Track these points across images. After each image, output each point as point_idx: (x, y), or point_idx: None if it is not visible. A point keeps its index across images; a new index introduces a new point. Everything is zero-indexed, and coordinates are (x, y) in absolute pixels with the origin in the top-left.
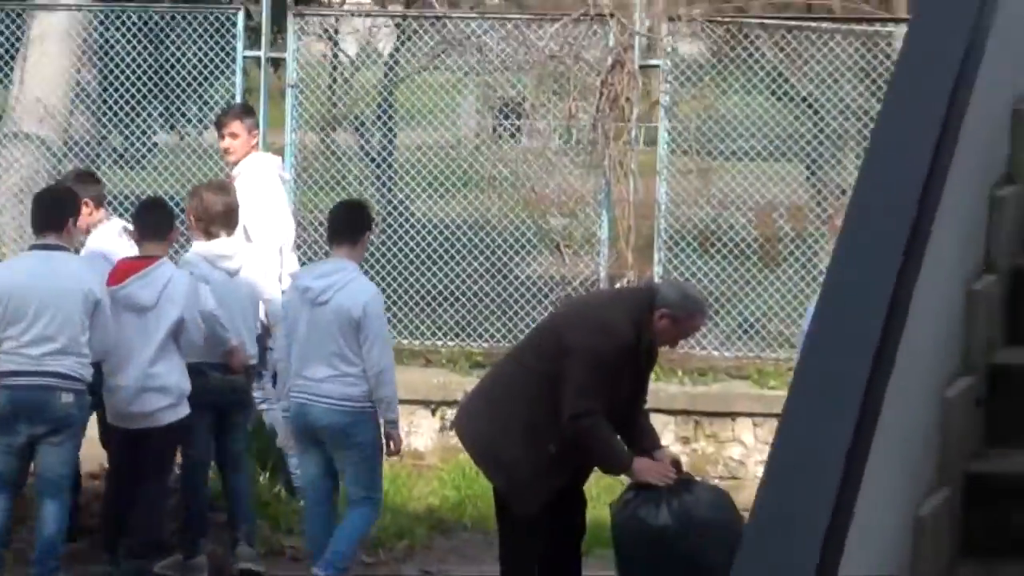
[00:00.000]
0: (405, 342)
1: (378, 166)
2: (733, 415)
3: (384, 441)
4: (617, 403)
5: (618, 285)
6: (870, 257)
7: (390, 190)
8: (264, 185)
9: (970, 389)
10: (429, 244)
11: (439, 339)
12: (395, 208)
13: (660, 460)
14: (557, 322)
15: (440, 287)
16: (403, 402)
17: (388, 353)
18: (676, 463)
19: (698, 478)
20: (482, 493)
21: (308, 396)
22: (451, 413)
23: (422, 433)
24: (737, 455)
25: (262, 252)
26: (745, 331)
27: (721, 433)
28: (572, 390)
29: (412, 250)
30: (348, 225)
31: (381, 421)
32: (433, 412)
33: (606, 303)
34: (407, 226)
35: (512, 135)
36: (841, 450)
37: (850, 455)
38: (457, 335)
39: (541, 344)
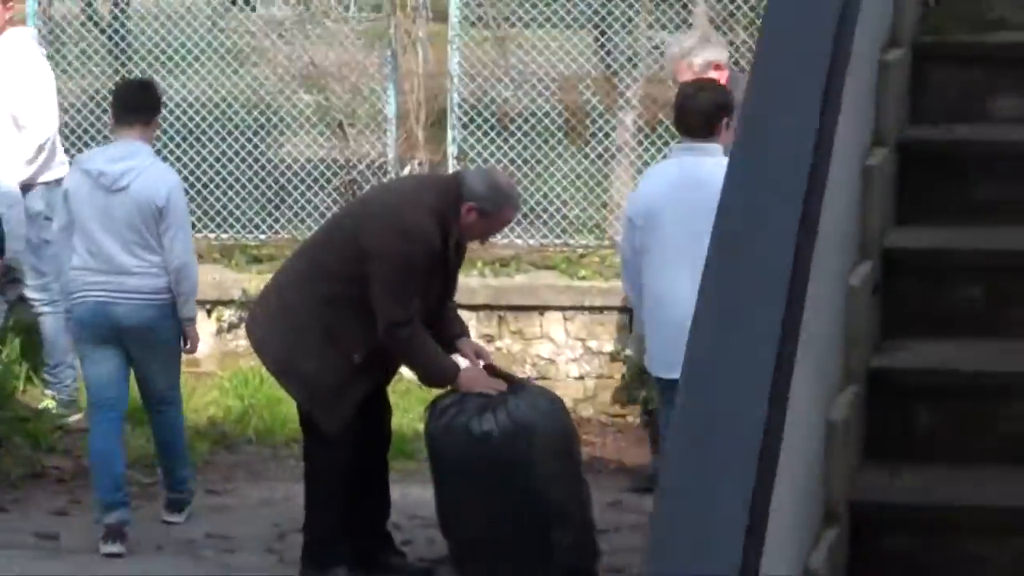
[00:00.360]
0: None
1: (109, 38)
2: (540, 309)
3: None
4: (429, 304)
5: (409, 168)
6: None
7: (124, 64)
8: (27, 64)
9: (870, 276)
10: (187, 125)
11: (210, 231)
12: None
13: (464, 350)
14: (355, 220)
15: (211, 173)
16: None
17: (191, 244)
18: (492, 368)
19: (534, 380)
20: (268, 402)
21: (110, 293)
22: (228, 314)
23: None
24: (546, 353)
25: (33, 141)
26: (551, 216)
27: (528, 329)
28: (385, 297)
29: (166, 131)
30: (140, 104)
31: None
32: (209, 313)
33: (407, 198)
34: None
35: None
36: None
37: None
38: (232, 226)
39: (336, 243)
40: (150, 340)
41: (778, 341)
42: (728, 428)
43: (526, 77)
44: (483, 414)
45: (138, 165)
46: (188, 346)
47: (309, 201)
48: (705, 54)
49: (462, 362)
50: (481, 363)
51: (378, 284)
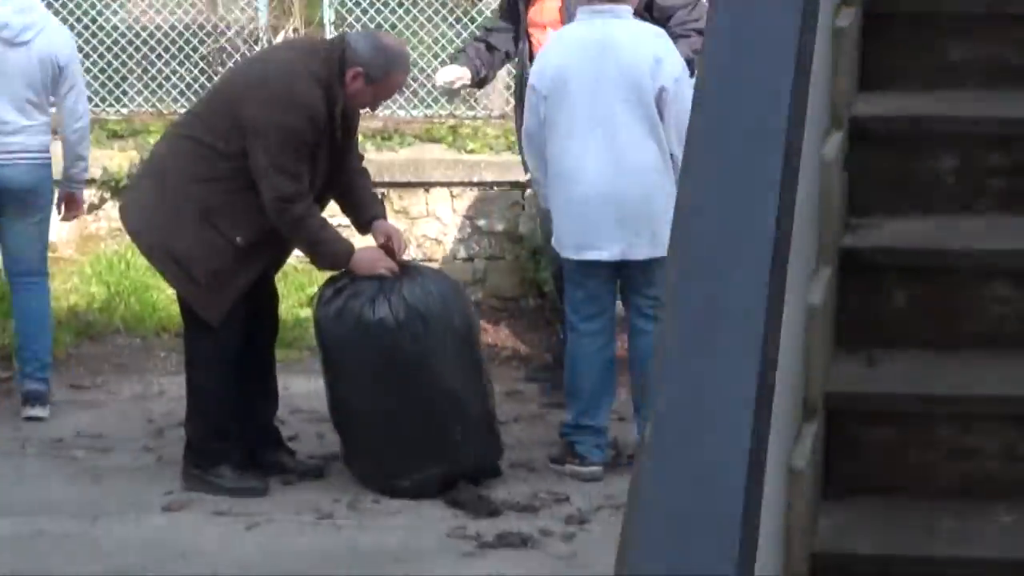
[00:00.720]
0: None
1: None
2: (426, 185)
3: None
4: (318, 178)
5: (283, 36)
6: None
7: None
8: None
9: (842, 147)
10: None
11: None
12: None
13: (380, 233)
14: (233, 92)
15: None
16: None
17: (87, 104)
18: (389, 249)
19: (421, 263)
20: (135, 289)
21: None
22: (88, 194)
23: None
24: (433, 232)
25: None
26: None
27: (413, 207)
28: (272, 171)
29: None
30: None
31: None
32: None
33: (289, 66)
34: None
35: None
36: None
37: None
38: (89, 99)
39: (215, 118)
40: (32, 202)
41: (775, 224)
42: (732, 318)
43: None
44: (376, 299)
45: (39, 20)
46: (74, 212)
47: (174, 72)
48: None
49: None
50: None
51: (262, 158)
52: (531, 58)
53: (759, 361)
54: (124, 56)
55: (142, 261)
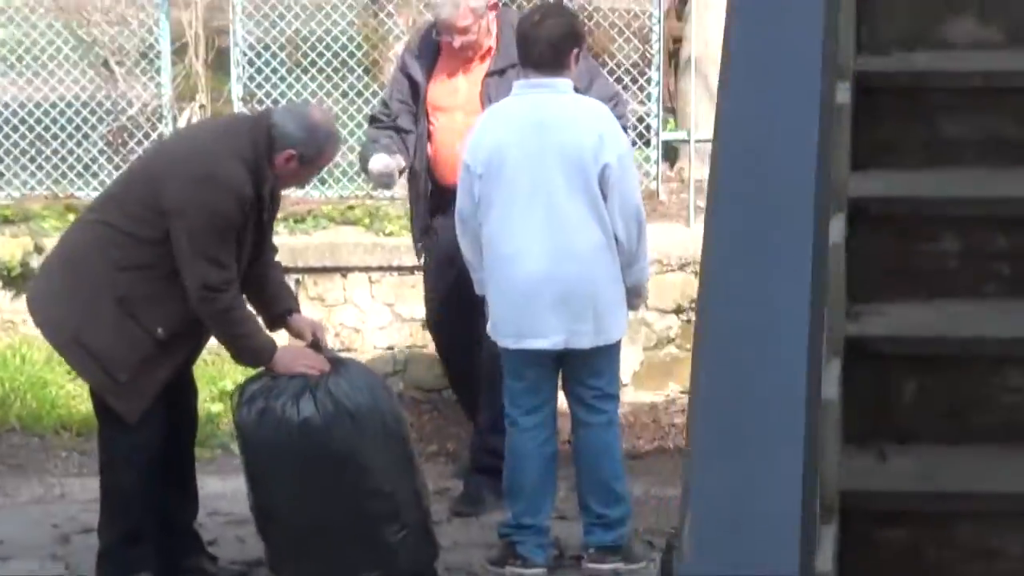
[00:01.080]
0: None
1: None
2: (343, 271)
3: None
4: (243, 264)
5: (188, 113)
6: None
7: None
8: None
9: (843, 230)
10: None
11: None
12: None
13: (297, 327)
14: (151, 170)
15: None
16: None
17: None
18: (316, 343)
19: (342, 354)
20: (31, 385)
21: None
22: None
23: None
24: (351, 321)
25: None
26: (352, 164)
27: (329, 294)
28: (197, 259)
29: None
30: None
31: None
32: None
33: (213, 147)
34: None
35: None
36: None
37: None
38: None
39: (133, 201)
40: None
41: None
42: (771, 412)
43: (319, 3)
44: (301, 397)
45: None
46: None
47: (71, 152)
48: None
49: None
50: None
51: (187, 244)
52: (430, 139)
53: (802, 463)
54: (16, 136)
55: (38, 354)
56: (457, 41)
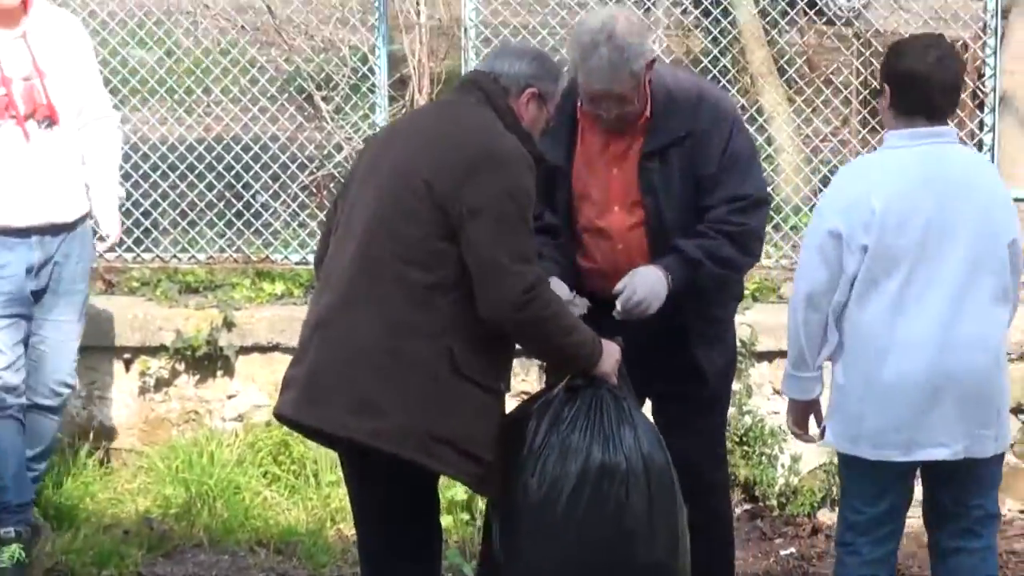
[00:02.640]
0: None
1: None
2: None
3: None
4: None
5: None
6: None
7: None
8: None
9: None
10: None
11: (126, 249)
12: None
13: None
14: (422, 179)
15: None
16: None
17: None
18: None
19: None
20: (221, 489)
21: None
22: (156, 366)
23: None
24: None
25: None
26: None
27: None
28: (505, 262)
29: None
30: None
31: None
32: (127, 365)
33: (461, 122)
34: None
35: None
36: None
37: None
38: (157, 243)
39: (410, 225)
40: None
41: None
42: None
43: (565, 23)
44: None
45: None
46: None
47: (266, 206)
48: None
49: None
50: None
51: (488, 248)
52: (579, 245)
53: None
54: (202, 185)
55: (228, 453)
56: (613, 112)
